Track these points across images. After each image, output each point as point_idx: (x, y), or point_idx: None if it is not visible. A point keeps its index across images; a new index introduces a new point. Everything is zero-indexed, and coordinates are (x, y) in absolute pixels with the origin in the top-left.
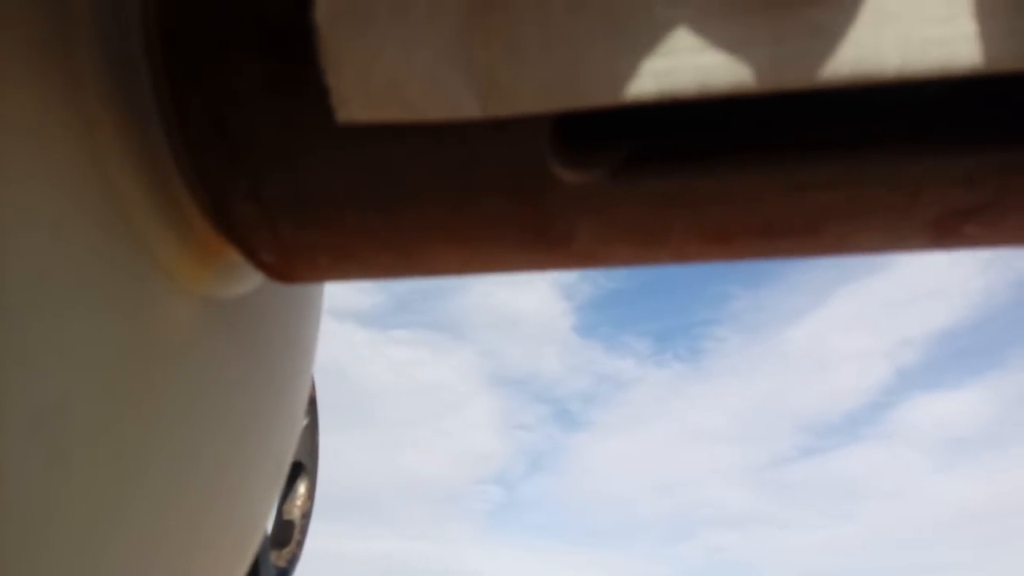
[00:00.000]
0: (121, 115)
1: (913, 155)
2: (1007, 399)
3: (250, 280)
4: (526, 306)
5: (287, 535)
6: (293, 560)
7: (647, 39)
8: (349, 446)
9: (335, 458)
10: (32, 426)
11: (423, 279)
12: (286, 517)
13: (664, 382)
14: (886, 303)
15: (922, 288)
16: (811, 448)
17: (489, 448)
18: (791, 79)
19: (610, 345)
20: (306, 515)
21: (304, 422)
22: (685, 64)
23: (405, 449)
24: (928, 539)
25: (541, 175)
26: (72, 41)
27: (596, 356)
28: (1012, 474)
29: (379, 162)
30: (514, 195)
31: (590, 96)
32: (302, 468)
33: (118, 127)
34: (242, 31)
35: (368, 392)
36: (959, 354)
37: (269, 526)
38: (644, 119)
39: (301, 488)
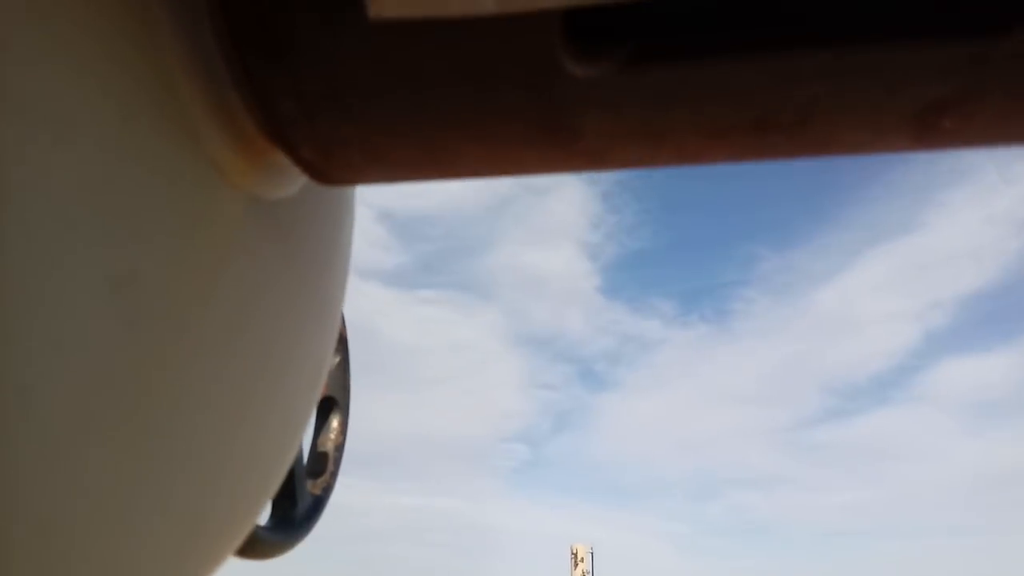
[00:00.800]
0: (177, 22)
1: (889, 48)
2: None
3: (292, 182)
4: (551, 266)
5: (322, 465)
6: (327, 489)
7: None
8: (377, 404)
9: (363, 416)
10: (110, 290)
11: (445, 180)
12: (320, 449)
13: (690, 343)
14: (916, 265)
15: (953, 250)
16: (837, 410)
17: (515, 407)
18: None
19: (635, 306)
20: (339, 447)
21: (336, 359)
22: None
23: (432, 407)
24: (954, 502)
25: (552, 68)
26: None
27: (621, 316)
28: None
29: (405, 58)
30: (527, 88)
31: None
32: (335, 402)
33: (174, 33)
34: None
35: (395, 351)
36: (990, 317)
37: (305, 456)
38: (648, 16)
39: (334, 422)
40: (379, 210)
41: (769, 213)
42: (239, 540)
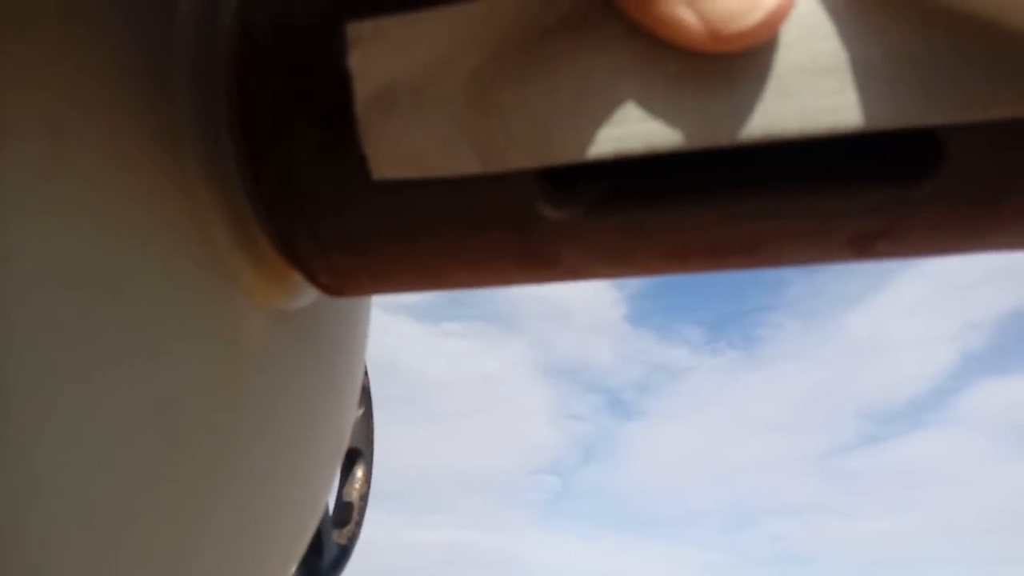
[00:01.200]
0: (212, 177)
1: (821, 192)
2: None
3: (310, 295)
4: (577, 296)
5: (347, 516)
6: (352, 539)
7: (605, 113)
8: (405, 438)
9: (392, 450)
10: (156, 411)
11: (446, 291)
12: (346, 499)
13: (719, 370)
14: (951, 286)
15: (989, 269)
16: (873, 436)
17: (543, 438)
18: (715, 139)
19: (663, 334)
20: (364, 497)
21: (360, 411)
22: (635, 131)
23: (460, 440)
24: (994, 528)
25: (530, 213)
26: (177, 117)
27: (648, 345)
28: None
29: (406, 207)
30: (510, 229)
31: (562, 155)
32: (359, 454)
33: (209, 187)
34: (301, 111)
35: (422, 384)
36: None
37: (331, 508)
38: (611, 167)
39: (359, 472)
40: None
41: None
42: None
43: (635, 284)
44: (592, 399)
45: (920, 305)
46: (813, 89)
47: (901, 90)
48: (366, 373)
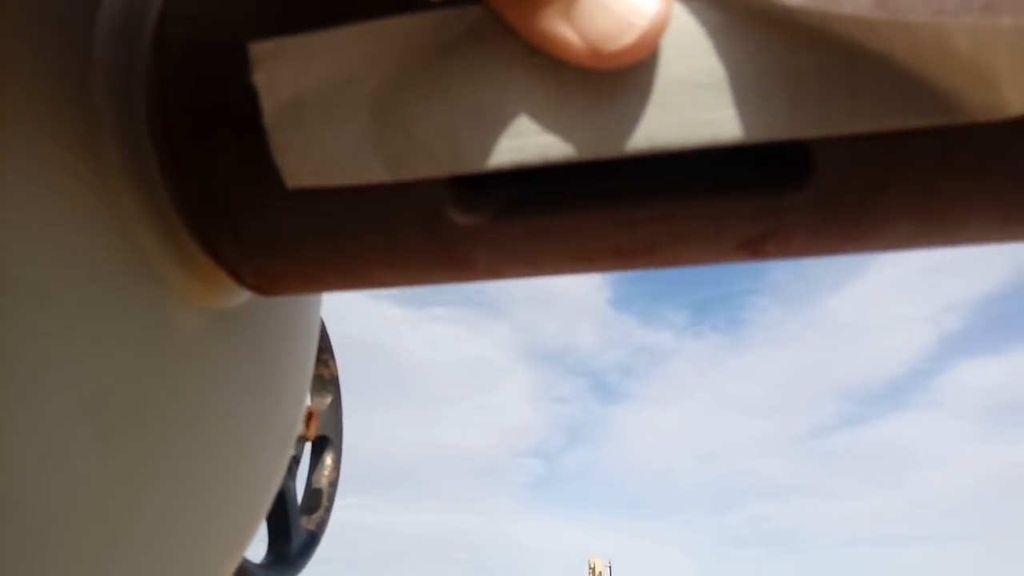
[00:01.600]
0: (136, 184)
1: (708, 199)
2: None
3: (244, 294)
4: (561, 281)
5: (316, 502)
6: (321, 524)
7: (502, 125)
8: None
9: (378, 435)
10: (84, 407)
11: (371, 290)
12: (315, 486)
13: (702, 353)
14: (929, 269)
15: (966, 252)
16: (853, 417)
17: (528, 421)
18: (604, 151)
19: (646, 318)
20: (333, 484)
21: (329, 399)
22: (530, 142)
23: (445, 424)
24: (973, 506)
25: (441, 218)
26: (98, 126)
27: (632, 329)
28: None
29: (323, 212)
30: (424, 233)
31: (465, 166)
32: (328, 441)
33: (134, 193)
34: (218, 123)
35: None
36: (1005, 319)
37: (300, 495)
38: (518, 175)
39: (328, 460)
40: None
41: None
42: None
43: None
44: (576, 382)
45: (899, 288)
46: (692, 104)
47: (771, 105)
48: (335, 362)
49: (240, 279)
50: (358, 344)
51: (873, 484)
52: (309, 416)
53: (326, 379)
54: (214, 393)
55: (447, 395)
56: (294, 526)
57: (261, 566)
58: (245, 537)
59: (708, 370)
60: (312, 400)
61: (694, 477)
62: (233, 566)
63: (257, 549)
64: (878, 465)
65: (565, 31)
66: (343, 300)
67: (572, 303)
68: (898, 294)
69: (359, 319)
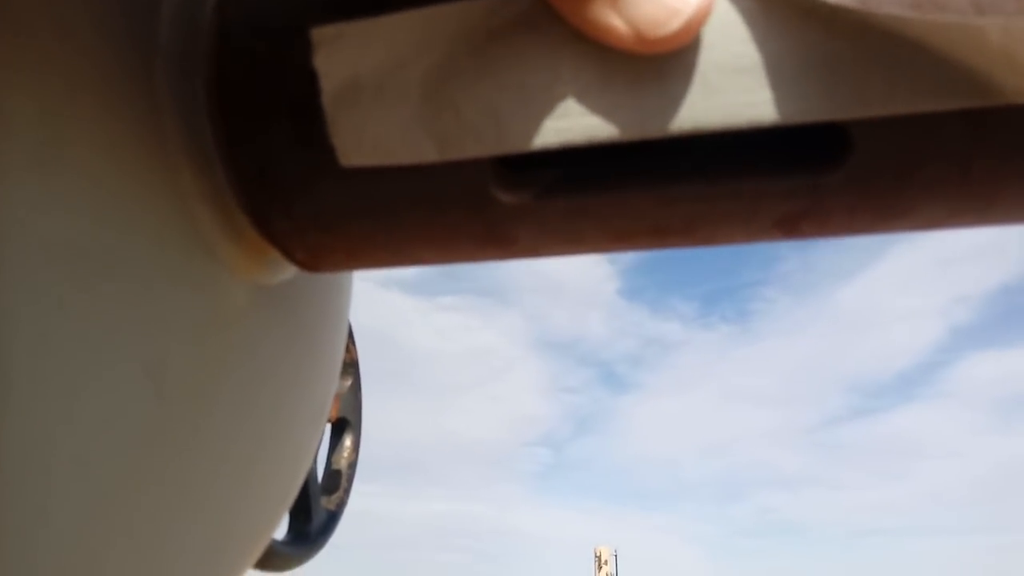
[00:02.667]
0: (195, 163)
1: (747, 177)
2: None
3: (289, 270)
4: (571, 271)
5: (335, 483)
6: (341, 505)
7: (548, 106)
8: (401, 411)
9: (388, 423)
10: (145, 373)
11: (414, 266)
12: (334, 467)
13: (711, 344)
14: (940, 260)
15: (977, 245)
16: (862, 408)
17: (537, 411)
18: (648, 132)
19: (656, 308)
20: (352, 465)
21: (348, 382)
22: (576, 123)
23: (454, 413)
24: (983, 498)
25: (486, 197)
26: (160, 106)
27: (642, 319)
28: None
29: (373, 190)
30: (468, 211)
31: (510, 146)
32: (348, 423)
33: (192, 171)
34: (274, 103)
35: (418, 358)
36: (1015, 311)
37: (320, 475)
38: (561, 155)
39: (347, 441)
40: None
41: None
42: (257, 555)
43: (628, 259)
44: (585, 372)
45: (909, 280)
46: (733, 86)
47: (809, 88)
48: (355, 346)
49: (289, 254)
50: (367, 333)
51: (881, 476)
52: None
53: (346, 362)
54: (260, 366)
55: (456, 384)
56: (315, 505)
57: (283, 543)
58: (284, 507)
59: (717, 361)
60: None
61: (702, 467)
62: (271, 533)
63: (279, 527)
64: (887, 457)
65: (612, 18)
66: (353, 290)
67: (582, 293)
68: (908, 286)
69: (368, 308)
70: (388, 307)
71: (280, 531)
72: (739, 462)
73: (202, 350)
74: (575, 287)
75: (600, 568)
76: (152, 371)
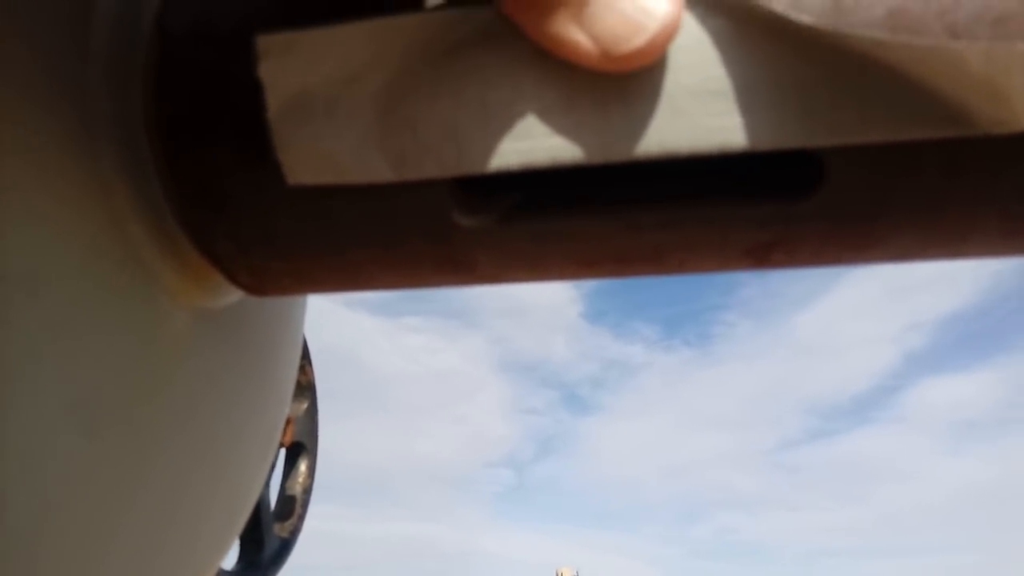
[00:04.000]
0: (130, 178)
1: (717, 205)
2: (1015, 382)
3: (235, 293)
4: (535, 294)
5: (289, 509)
6: (295, 532)
7: (510, 127)
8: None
9: (349, 444)
10: (70, 409)
11: (367, 292)
12: (288, 492)
13: (673, 367)
14: (894, 288)
15: (930, 273)
16: (820, 431)
17: (500, 432)
18: (613, 155)
19: (618, 331)
20: (307, 491)
21: (304, 406)
22: (539, 145)
23: (418, 434)
24: (936, 520)
25: (445, 220)
26: (93, 118)
27: (604, 342)
28: (1021, 456)
29: (323, 211)
30: (426, 236)
31: (471, 167)
32: (303, 448)
33: (127, 187)
34: (218, 117)
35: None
36: (967, 338)
37: (273, 501)
38: (524, 179)
39: (302, 466)
40: None
41: None
42: None
43: (591, 283)
44: (548, 394)
45: (865, 306)
46: (702, 110)
47: (781, 114)
48: (311, 367)
49: (234, 278)
50: (330, 353)
51: (838, 498)
52: (286, 422)
53: (302, 385)
54: (202, 394)
55: (419, 405)
56: (267, 533)
57: (232, 573)
58: (229, 539)
59: (678, 384)
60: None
61: (662, 489)
62: (216, 566)
63: (228, 556)
64: (843, 479)
65: (575, 33)
66: (316, 307)
67: (546, 315)
68: (864, 312)
69: (332, 328)
70: (352, 327)
71: (230, 560)
72: (699, 484)
73: (139, 383)
74: (539, 310)
75: None
76: (78, 408)
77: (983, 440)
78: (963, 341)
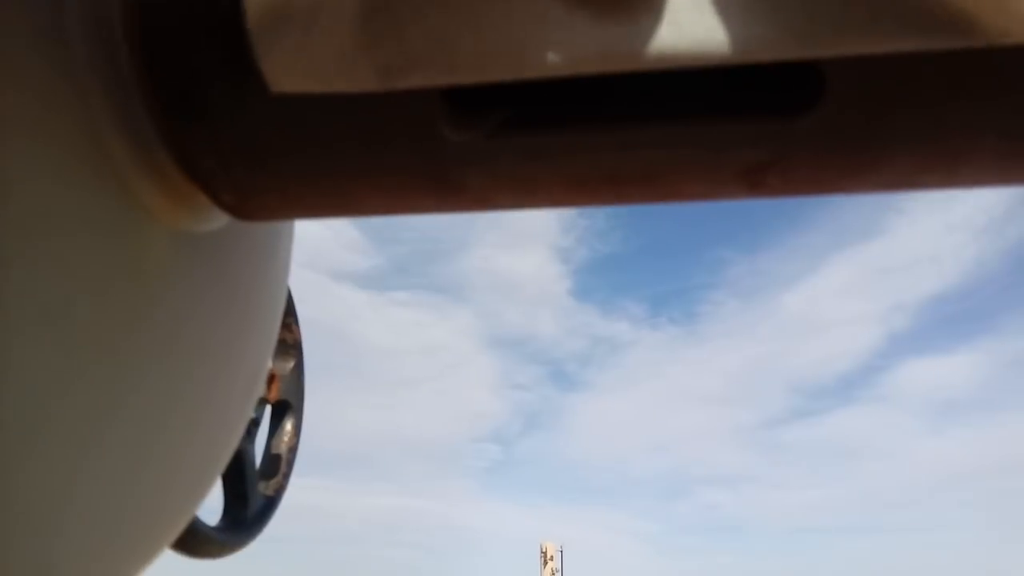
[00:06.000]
0: (107, 85)
1: (712, 122)
2: (996, 363)
3: (219, 218)
4: (524, 269)
5: (275, 467)
6: (280, 490)
7: (503, 37)
8: (350, 405)
9: (336, 417)
10: (46, 319)
11: (357, 217)
12: (274, 451)
13: (659, 345)
14: (880, 269)
15: (915, 255)
16: (803, 410)
17: (487, 407)
18: (611, 65)
19: (606, 308)
20: (292, 450)
21: (291, 364)
22: (533, 55)
23: (405, 409)
24: (916, 499)
25: (433, 134)
26: (66, 30)
27: (592, 319)
28: (1000, 436)
29: (306, 121)
30: (414, 149)
31: (462, 76)
32: (289, 406)
33: (104, 97)
34: (201, 27)
35: (368, 353)
36: (950, 319)
37: (258, 459)
38: (512, 89)
39: (288, 425)
40: None
41: (738, 217)
42: (173, 534)
43: (580, 259)
44: (535, 370)
45: (851, 287)
46: (704, 19)
47: (784, 22)
48: (298, 327)
49: (215, 194)
50: (319, 326)
51: (821, 476)
52: (271, 378)
53: (289, 344)
54: (185, 322)
55: (407, 379)
56: (251, 490)
57: (218, 529)
58: (210, 476)
59: (664, 361)
60: (274, 363)
61: (647, 465)
62: (197, 503)
63: (213, 512)
64: (826, 457)
65: None
66: (303, 280)
67: (534, 292)
68: (849, 292)
69: (320, 301)
70: (340, 301)
71: (215, 516)
72: (683, 460)
73: (116, 300)
74: (528, 286)
75: (546, 563)
76: (55, 319)
77: (964, 420)
78: (946, 322)
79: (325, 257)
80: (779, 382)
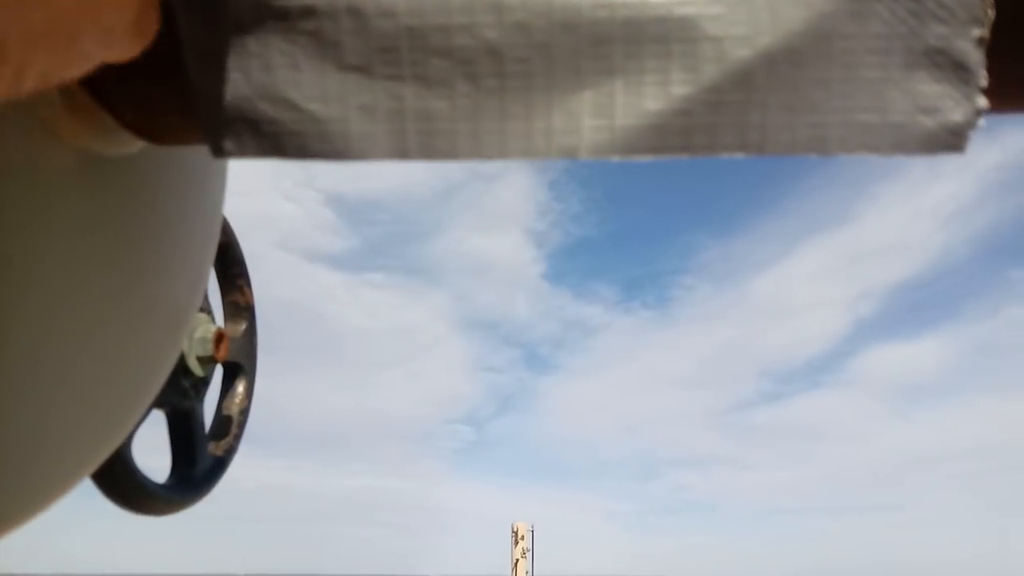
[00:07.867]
0: None
1: None
2: (961, 349)
3: (132, 142)
4: (498, 252)
5: (225, 428)
6: (230, 451)
7: None
8: (325, 387)
9: (310, 398)
10: None
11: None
12: (225, 413)
13: (632, 328)
14: (848, 256)
15: (883, 242)
16: (773, 393)
17: (460, 389)
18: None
19: (579, 292)
20: (244, 412)
21: (243, 327)
22: None
23: (378, 390)
24: (884, 480)
25: None
26: None
27: (565, 302)
28: (966, 420)
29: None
30: None
31: None
32: (241, 368)
33: None
34: None
35: (342, 334)
36: (916, 306)
37: (208, 420)
38: None
39: (240, 387)
40: (328, 194)
41: (711, 202)
42: (93, 463)
43: (554, 243)
44: (509, 353)
45: (820, 273)
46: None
47: None
48: (250, 290)
49: (118, 112)
50: (291, 307)
51: (789, 458)
52: (220, 338)
53: (241, 306)
54: (90, 248)
55: (381, 361)
56: (200, 450)
57: (165, 487)
58: (137, 405)
59: (637, 344)
60: (226, 325)
61: (620, 447)
62: (125, 431)
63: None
64: (794, 440)
65: None
66: (275, 261)
67: (508, 275)
68: (819, 278)
69: (294, 282)
70: (314, 282)
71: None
72: (655, 442)
73: (13, 214)
74: (501, 269)
75: (517, 543)
76: None
77: (930, 404)
78: (911, 310)
79: (298, 238)
80: (749, 366)
